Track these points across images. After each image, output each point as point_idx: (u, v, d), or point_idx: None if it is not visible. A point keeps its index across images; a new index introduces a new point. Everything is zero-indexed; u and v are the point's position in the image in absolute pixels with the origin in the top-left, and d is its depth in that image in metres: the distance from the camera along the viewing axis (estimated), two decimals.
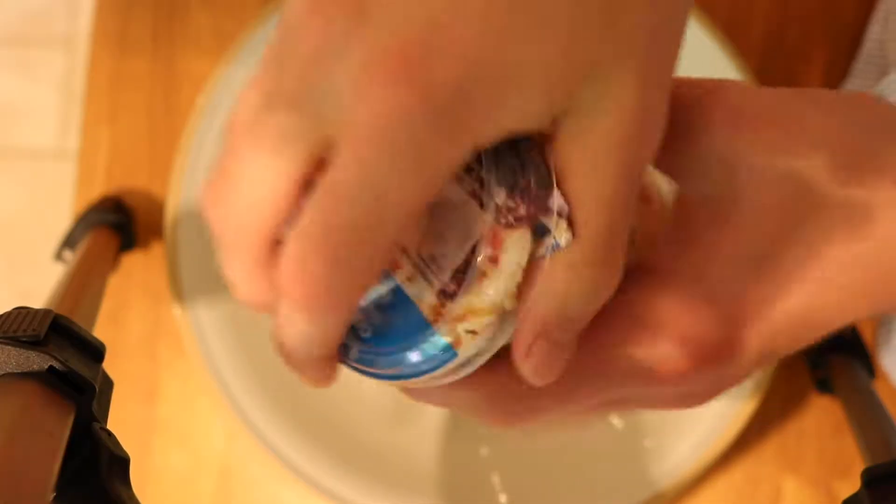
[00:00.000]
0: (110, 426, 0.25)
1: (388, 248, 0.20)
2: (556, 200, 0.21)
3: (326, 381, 0.23)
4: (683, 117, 0.24)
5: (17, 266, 1.23)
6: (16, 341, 0.24)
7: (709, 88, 0.25)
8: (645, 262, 0.25)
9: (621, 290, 0.23)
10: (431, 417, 0.49)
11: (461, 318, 0.22)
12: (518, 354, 0.22)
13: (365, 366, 0.23)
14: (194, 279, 0.45)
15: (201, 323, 0.45)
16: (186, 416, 0.49)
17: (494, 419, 0.26)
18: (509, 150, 0.21)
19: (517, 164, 0.21)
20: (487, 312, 0.22)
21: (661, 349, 0.24)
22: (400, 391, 0.26)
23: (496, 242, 0.21)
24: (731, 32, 0.46)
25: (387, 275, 0.23)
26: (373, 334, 0.23)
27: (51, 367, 0.24)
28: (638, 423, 0.45)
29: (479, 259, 0.21)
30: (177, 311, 0.46)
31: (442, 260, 0.22)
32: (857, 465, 0.31)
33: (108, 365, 0.27)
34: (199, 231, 0.45)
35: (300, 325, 0.20)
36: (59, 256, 0.46)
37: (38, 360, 0.24)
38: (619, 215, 0.21)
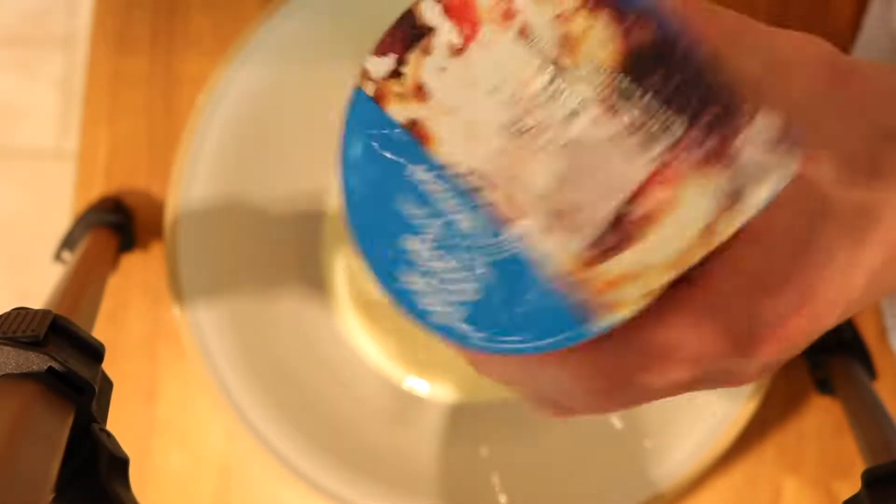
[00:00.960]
0: (110, 427, 0.25)
1: None
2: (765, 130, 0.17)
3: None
4: None
5: (16, 266, 1.23)
6: (15, 342, 0.24)
7: None
8: None
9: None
10: (431, 418, 0.49)
11: (614, 283, 0.18)
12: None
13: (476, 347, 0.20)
14: (194, 280, 0.45)
15: (201, 323, 0.45)
16: (186, 416, 0.49)
17: (569, 404, 0.24)
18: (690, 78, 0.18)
19: (698, 91, 0.17)
20: (663, 270, 0.18)
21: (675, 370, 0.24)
22: (467, 362, 0.23)
23: (673, 181, 0.18)
24: None
25: (499, 228, 0.19)
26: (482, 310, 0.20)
27: (50, 367, 0.24)
28: (638, 423, 0.45)
29: (639, 206, 0.18)
30: (176, 311, 0.46)
31: (582, 213, 0.18)
32: (858, 466, 0.31)
33: (108, 365, 0.27)
34: (199, 231, 0.45)
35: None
36: (58, 257, 0.46)
37: (37, 361, 0.24)
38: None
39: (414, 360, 0.48)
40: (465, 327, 0.20)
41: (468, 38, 0.19)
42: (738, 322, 0.22)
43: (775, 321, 0.22)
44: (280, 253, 0.49)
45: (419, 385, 0.48)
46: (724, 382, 0.24)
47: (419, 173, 0.20)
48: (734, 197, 0.18)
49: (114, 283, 0.49)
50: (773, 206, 0.22)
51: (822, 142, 0.23)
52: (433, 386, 0.48)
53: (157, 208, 0.49)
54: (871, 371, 0.42)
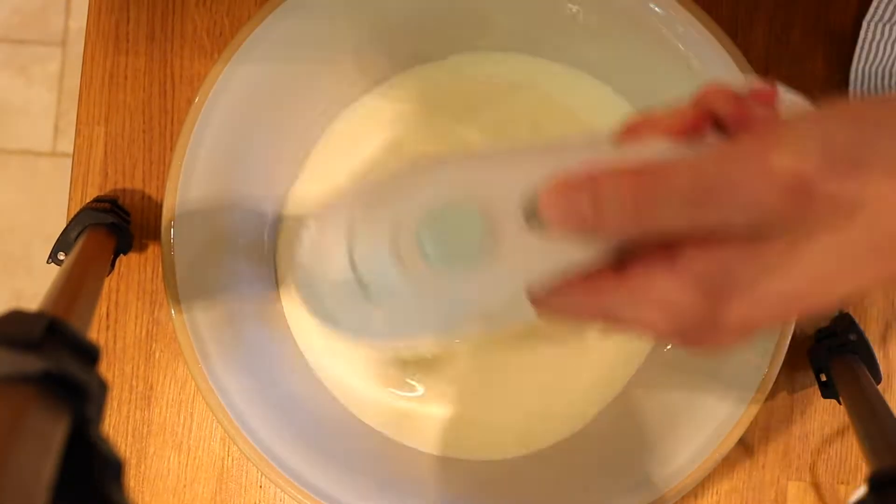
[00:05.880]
0: (106, 429, 0.25)
1: None
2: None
3: None
4: None
5: (11, 267, 1.22)
6: (10, 344, 0.24)
7: None
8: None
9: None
10: (430, 421, 0.48)
11: None
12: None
13: None
14: (190, 281, 0.45)
15: (197, 325, 0.45)
16: (182, 419, 0.49)
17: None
18: None
19: None
20: None
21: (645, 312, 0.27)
22: None
23: None
24: (734, 32, 0.46)
25: None
26: None
27: (45, 370, 0.24)
28: (641, 426, 0.45)
29: None
30: (173, 313, 0.45)
31: None
32: (862, 470, 0.30)
33: (104, 367, 0.26)
34: (196, 232, 0.45)
35: None
36: (53, 257, 0.46)
37: (32, 364, 0.24)
38: None
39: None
40: None
41: None
42: (714, 278, 0.26)
43: (748, 283, 0.25)
44: (274, 255, 0.49)
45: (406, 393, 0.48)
46: (696, 339, 0.27)
47: None
48: None
49: (110, 285, 0.49)
50: (762, 187, 0.24)
51: (801, 135, 0.24)
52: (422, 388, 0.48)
53: (153, 209, 0.49)
54: (876, 374, 0.42)
